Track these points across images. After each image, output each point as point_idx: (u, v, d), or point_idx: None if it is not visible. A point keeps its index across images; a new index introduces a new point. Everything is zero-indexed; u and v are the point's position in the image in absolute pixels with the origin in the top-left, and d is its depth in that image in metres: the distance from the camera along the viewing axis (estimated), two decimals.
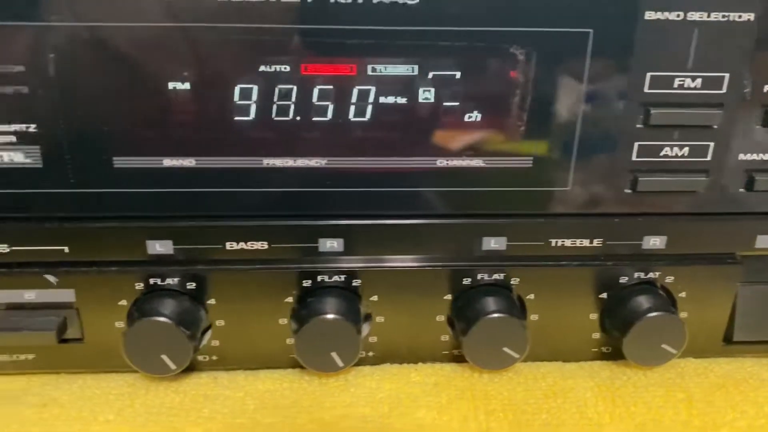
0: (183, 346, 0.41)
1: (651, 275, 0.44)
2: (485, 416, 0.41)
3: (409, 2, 0.36)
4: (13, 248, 0.41)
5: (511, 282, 0.44)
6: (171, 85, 0.38)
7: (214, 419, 0.40)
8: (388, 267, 0.43)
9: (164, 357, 0.41)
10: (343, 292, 0.43)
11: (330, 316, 0.42)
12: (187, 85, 0.38)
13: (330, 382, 0.43)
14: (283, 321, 0.44)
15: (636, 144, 0.40)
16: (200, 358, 0.44)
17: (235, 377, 0.44)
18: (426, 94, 0.39)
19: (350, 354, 0.42)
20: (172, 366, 0.42)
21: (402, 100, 0.39)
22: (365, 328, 0.44)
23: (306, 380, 0.44)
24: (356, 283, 0.43)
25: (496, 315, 0.42)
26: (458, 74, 0.38)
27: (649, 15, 0.37)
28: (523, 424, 0.40)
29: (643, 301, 0.43)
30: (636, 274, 0.44)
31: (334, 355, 0.42)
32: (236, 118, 0.39)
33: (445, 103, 0.39)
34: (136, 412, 0.41)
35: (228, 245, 0.42)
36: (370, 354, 0.45)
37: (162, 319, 0.40)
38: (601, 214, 0.42)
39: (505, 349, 0.43)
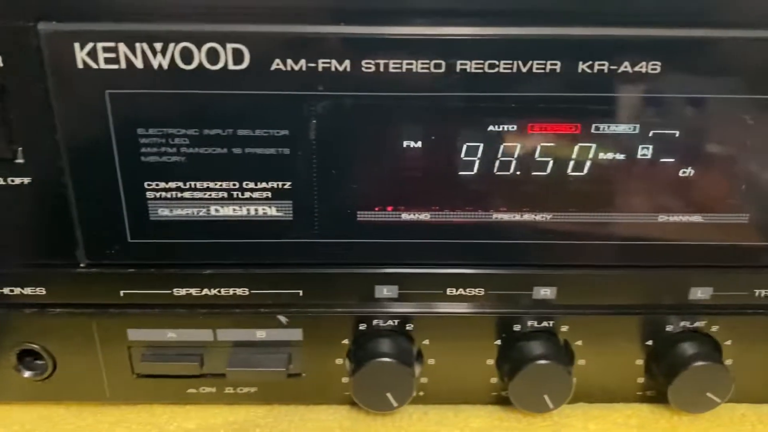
0: (407, 385, 0.44)
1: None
2: None
3: (651, 72, 0.39)
4: (253, 291, 0.44)
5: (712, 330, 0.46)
6: (405, 144, 0.41)
7: None
8: (591, 313, 0.46)
9: (389, 395, 0.44)
10: (551, 338, 0.46)
11: (543, 361, 0.44)
12: (419, 144, 0.41)
13: (537, 422, 0.46)
14: (490, 362, 0.46)
15: None
16: None
17: (444, 413, 0.47)
18: (644, 151, 0.41)
19: (562, 395, 0.45)
20: (395, 404, 0.44)
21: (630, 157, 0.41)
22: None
23: (514, 418, 0.46)
24: (564, 328, 0.46)
25: (704, 363, 0.44)
26: (683, 134, 0.40)
27: None
28: None
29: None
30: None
31: (546, 397, 0.45)
32: (462, 173, 0.42)
33: (667, 161, 0.41)
34: None
35: (448, 291, 0.44)
36: None
37: (393, 360, 0.43)
38: None
39: (709, 394, 0.45)
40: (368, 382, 0.44)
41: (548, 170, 0.42)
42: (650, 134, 0.41)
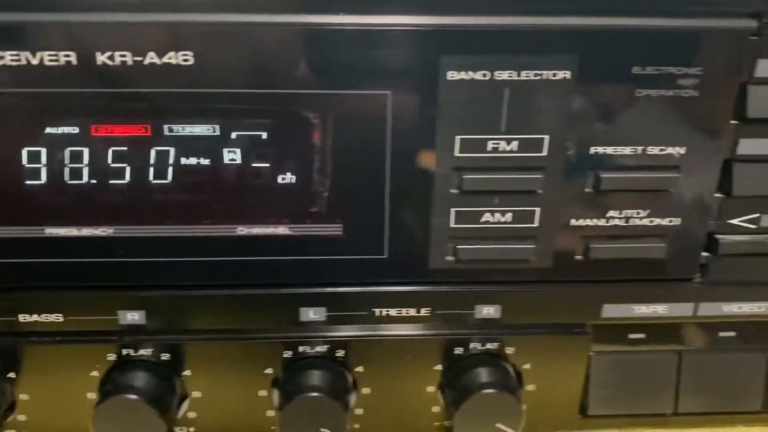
0: None
1: (488, 346, 0.41)
2: None
3: (183, 63, 0.34)
4: None
5: (336, 355, 0.41)
6: None
7: None
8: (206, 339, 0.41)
9: None
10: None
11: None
12: None
13: None
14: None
15: (453, 210, 0.38)
16: None
17: None
18: (231, 155, 0.37)
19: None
20: None
21: (200, 162, 0.37)
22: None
23: None
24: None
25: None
26: (253, 138, 0.36)
27: (452, 75, 0.34)
28: None
29: (474, 375, 0.40)
30: (472, 345, 0.41)
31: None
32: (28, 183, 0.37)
33: (239, 168, 0.36)
34: None
35: (21, 317, 0.39)
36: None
37: None
38: (423, 283, 0.40)
39: (499, 425, 0.40)
40: None
41: (127, 178, 0.37)
42: (233, 136, 0.37)
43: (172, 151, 0.37)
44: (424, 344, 0.41)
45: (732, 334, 0.43)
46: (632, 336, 0.42)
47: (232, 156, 0.37)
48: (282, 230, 0.38)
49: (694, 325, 0.42)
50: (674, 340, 0.43)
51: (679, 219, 0.38)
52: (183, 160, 0.37)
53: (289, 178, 0.36)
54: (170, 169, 0.37)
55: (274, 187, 0.37)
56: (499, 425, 0.40)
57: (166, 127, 0.36)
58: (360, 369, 0.41)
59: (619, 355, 0.42)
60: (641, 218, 0.38)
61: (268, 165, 0.36)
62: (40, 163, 0.36)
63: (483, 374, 0.40)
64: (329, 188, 0.37)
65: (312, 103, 0.35)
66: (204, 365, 0.41)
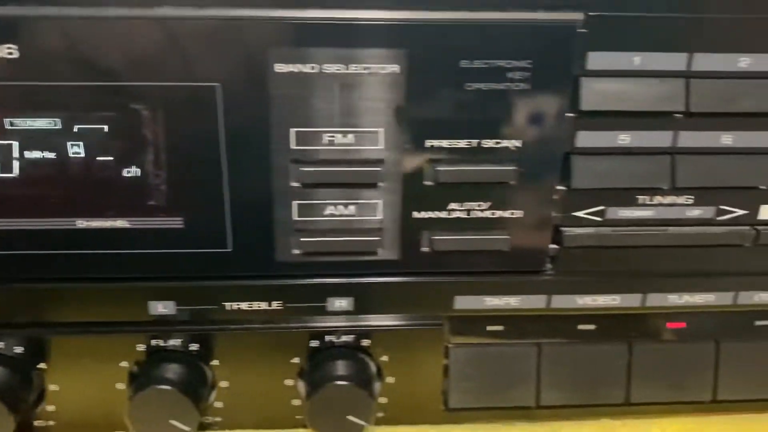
0: None
1: (343, 339, 0.42)
2: None
3: (8, 57, 0.34)
4: None
5: (191, 348, 0.41)
6: None
7: None
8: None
9: None
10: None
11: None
12: None
13: None
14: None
15: (295, 203, 0.38)
16: None
17: None
18: (75, 149, 0.37)
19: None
20: None
21: (44, 156, 0.37)
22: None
23: None
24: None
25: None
26: (94, 131, 0.36)
27: (279, 68, 0.35)
28: None
29: (325, 368, 0.40)
30: (327, 338, 0.42)
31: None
32: None
33: (81, 161, 0.36)
34: None
35: None
36: None
37: None
38: (272, 276, 0.40)
39: (351, 417, 0.40)
40: None
41: None
42: (75, 130, 0.37)
43: (16, 144, 0.37)
44: (278, 338, 0.41)
45: (591, 327, 0.44)
46: (490, 328, 0.43)
47: (75, 149, 0.37)
48: (121, 223, 0.38)
49: (552, 318, 0.43)
50: (533, 332, 0.43)
51: (522, 212, 0.39)
52: (27, 154, 0.37)
53: (127, 171, 0.37)
54: (15, 163, 0.37)
55: (114, 180, 0.37)
56: (350, 417, 0.40)
57: (7, 120, 0.37)
58: (216, 362, 0.42)
59: (477, 348, 0.43)
60: (483, 211, 0.38)
61: (107, 158, 0.36)
62: None
63: (333, 367, 0.40)
64: (167, 181, 0.37)
65: (141, 96, 0.35)
66: (61, 359, 0.41)
